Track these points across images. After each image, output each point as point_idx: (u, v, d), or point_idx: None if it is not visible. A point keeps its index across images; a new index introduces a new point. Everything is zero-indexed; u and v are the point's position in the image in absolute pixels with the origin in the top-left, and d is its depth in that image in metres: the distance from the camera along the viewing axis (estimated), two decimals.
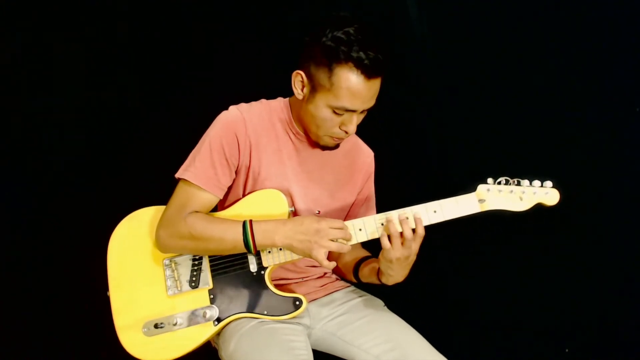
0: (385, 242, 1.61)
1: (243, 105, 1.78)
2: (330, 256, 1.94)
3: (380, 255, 1.66)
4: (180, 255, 1.77)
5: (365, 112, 1.69)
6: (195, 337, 1.71)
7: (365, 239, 1.71)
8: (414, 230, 1.62)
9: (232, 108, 1.76)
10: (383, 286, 1.74)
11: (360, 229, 1.70)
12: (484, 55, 2.30)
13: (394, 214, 1.66)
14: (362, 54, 1.54)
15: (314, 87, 1.65)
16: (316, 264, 1.91)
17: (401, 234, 1.61)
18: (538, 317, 2.34)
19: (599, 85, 2.17)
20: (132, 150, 2.37)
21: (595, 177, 2.20)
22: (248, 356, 1.62)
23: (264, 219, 1.69)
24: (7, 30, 2.35)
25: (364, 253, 1.89)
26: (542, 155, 2.24)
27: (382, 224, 1.68)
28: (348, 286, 1.98)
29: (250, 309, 1.72)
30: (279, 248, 1.71)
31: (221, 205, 1.86)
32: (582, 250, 2.26)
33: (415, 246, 1.62)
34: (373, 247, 1.85)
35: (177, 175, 1.74)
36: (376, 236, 1.69)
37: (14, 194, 2.39)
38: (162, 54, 2.43)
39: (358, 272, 1.84)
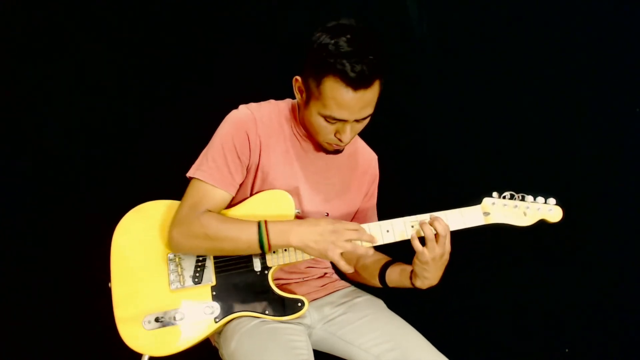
0: (417, 244, 1.63)
1: (252, 104, 1.78)
2: (347, 259, 1.95)
3: (415, 259, 1.66)
4: None
5: (365, 121, 1.67)
6: (196, 333, 1.69)
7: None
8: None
9: (242, 107, 1.76)
10: (417, 290, 1.73)
11: (388, 230, 1.71)
12: (484, 57, 2.32)
13: (425, 217, 1.68)
14: (347, 67, 1.51)
15: (308, 94, 1.65)
16: (316, 264, 1.92)
17: (435, 234, 1.62)
18: (538, 317, 2.35)
19: (599, 85, 2.19)
20: (141, 143, 2.36)
21: (595, 178, 2.22)
22: (249, 355, 1.60)
23: (277, 220, 1.68)
24: (8, 31, 2.34)
25: (385, 257, 1.88)
26: (542, 156, 2.26)
27: (388, 231, 1.70)
28: (348, 286, 1.97)
29: (252, 308, 1.71)
30: (293, 249, 1.71)
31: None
32: (582, 250, 2.28)
33: (447, 242, 1.64)
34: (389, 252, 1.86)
35: (189, 175, 1.73)
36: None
37: (19, 183, 2.38)
38: (168, 52, 2.43)
39: (385, 277, 1.81)
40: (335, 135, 1.67)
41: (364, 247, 1.65)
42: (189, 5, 2.41)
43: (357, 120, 1.63)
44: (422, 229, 1.64)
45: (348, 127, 1.63)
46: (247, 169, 1.76)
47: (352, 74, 1.51)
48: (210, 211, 1.70)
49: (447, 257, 1.66)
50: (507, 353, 2.38)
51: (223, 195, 1.72)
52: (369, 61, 1.52)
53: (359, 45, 1.53)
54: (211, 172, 1.70)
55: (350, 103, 1.56)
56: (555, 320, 2.33)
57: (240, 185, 1.78)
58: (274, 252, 1.73)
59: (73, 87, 2.39)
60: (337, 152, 1.78)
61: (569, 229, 2.18)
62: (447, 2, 2.34)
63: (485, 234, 2.18)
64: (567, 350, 2.33)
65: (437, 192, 2.33)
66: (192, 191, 1.72)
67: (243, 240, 1.65)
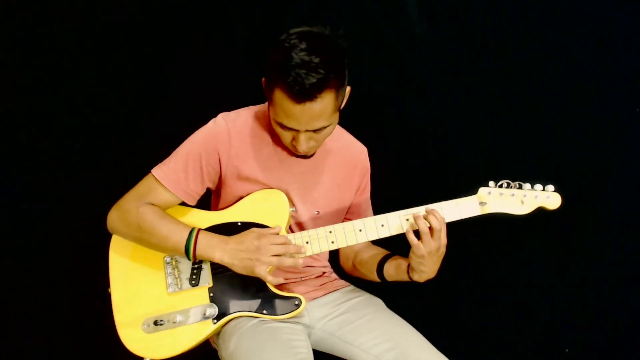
0: (412, 238, 1.62)
1: (231, 114, 1.78)
2: (345, 255, 1.97)
3: (410, 253, 1.66)
4: None
5: (325, 131, 1.63)
6: (195, 335, 1.71)
7: (364, 240, 1.72)
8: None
9: (219, 118, 1.76)
10: (414, 283, 1.73)
11: (360, 230, 1.71)
12: (484, 56, 2.30)
13: (420, 210, 1.67)
14: (292, 79, 1.48)
15: (267, 99, 1.64)
16: (314, 263, 1.93)
17: (430, 228, 1.62)
18: (538, 317, 2.34)
19: (599, 85, 2.17)
20: (140, 148, 2.37)
21: (595, 177, 2.20)
22: (248, 355, 1.61)
23: (211, 234, 1.70)
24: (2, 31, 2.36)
25: (383, 251, 1.88)
26: (542, 155, 2.25)
27: (382, 225, 1.70)
28: (347, 285, 1.97)
29: (250, 308, 1.72)
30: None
31: (214, 208, 1.88)
32: (582, 250, 2.26)
33: (443, 235, 1.63)
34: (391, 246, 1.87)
35: (152, 169, 1.76)
36: (376, 237, 1.72)
37: (16, 189, 2.39)
38: (164, 54, 2.43)
39: (383, 272, 1.82)
40: (292, 142, 1.66)
41: (291, 260, 1.66)
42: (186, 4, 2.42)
43: (314, 131, 1.61)
44: (417, 223, 1.64)
45: (302, 137, 1.61)
46: (220, 180, 1.78)
47: (295, 87, 1.49)
48: (152, 205, 1.73)
49: (443, 250, 1.66)
50: (507, 353, 2.38)
51: (171, 197, 1.74)
52: (317, 74, 1.49)
53: (311, 56, 1.49)
54: (168, 173, 1.73)
55: (296, 114, 1.54)
56: (555, 320, 2.33)
57: (221, 193, 1.81)
58: None
59: (74, 87, 2.40)
60: (305, 157, 1.77)
61: (569, 228, 2.21)
62: (447, 2, 2.33)
63: (485, 234, 2.21)
64: (567, 350, 2.32)
65: (433, 183, 2.32)
66: (144, 183, 1.76)
67: (172, 241, 1.68)
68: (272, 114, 1.62)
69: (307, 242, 1.73)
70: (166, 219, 1.71)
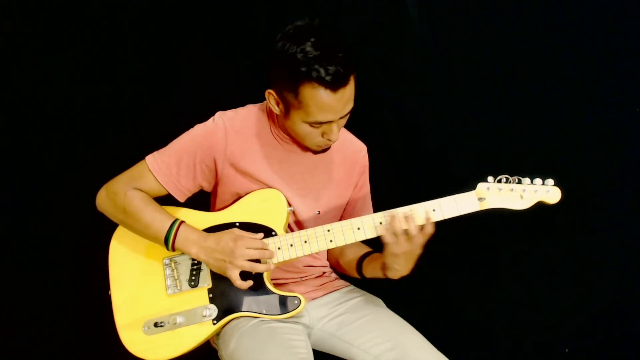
0: (388, 237, 1.62)
1: (228, 113, 1.78)
2: (332, 253, 1.97)
3: (384, 250, 1.66)
4: (181, 254, 1.77)
5: (348, 115, 1.66)
6: (195, 336, 1.72)
7: (363, 238, 1.72)
8: (422, 228, 1.62)
9: (217, 117, 1.77)
10: (388, 280, 1.73)
11: (358, 228, 1.70)
12: (484, 55, 2.30)
13: (398, 211, 1.66)
14: (322, 71, 1.52)
15: (286, 106, 1.64)
16: (314, 263, 1.93)
17: (405, 230, 1.61)
18: (538, 317, 2.34)
19: (599, 85, 2.17)
20: (138, 150, 2.39)
21: (595, 177, 2.20)
22: (248, 355, 1.61)
23: (192, 228, 1.72)
24: None
25: (365, 249, 1.89)
26: (542, 155, 2.24)
27: (381, 223, 1.68)
28: (347, 285, 1.98)
29: (249, 308, 1.72)
30: (287, 247, 1.72)
31: (213, 208, 1.88)
32: (582, 250, 2.26)
33: (421, 241, 1.63)
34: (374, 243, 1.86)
35: (147, 157, 1.78)
36: (374, 235, 1.70)
37: (16, 191, 2.41)
38: (161, 51, 2.43)
39: (362, 269, 1.84)
40: (323, 137, 1.67)
41: (264, 266, 1.67)
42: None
43: (343, 116, 1.65)
44: (393, 224, 1.62)
45: (335, 127, 1.64)
46: (216, 181, 1.79)
47: (328, 77, 1.52)
48: (140, 190, 1.75)
49: (419, 251, 1.66)
50: (507, 353, 2.38)
51: (159, 188, 1.76)
52: (340, 59, 1.53)
53: (326, 46, 1.54)
54: (161, 165, 1.75)
55: (333, 104, 1.57)
56: (555, 320, 2.33)
57: (217, 194, 1.82)
58: None
59: (75, 88, 2.41)
60: (325, 150, 1.78)
61: (569, 228, 2.20)
62: (447, 2, 2.33)
63: (485, 233, 2.21)
64: (567, 350, 2.33)
65: (431, 180, 2.32)
66: (138, 168, 1.78)
67: (153, 229, 1.71)
68: (300, 116, 1.62)
69: (305, 241, 1.73)
70: (152, 206, 1.73)
